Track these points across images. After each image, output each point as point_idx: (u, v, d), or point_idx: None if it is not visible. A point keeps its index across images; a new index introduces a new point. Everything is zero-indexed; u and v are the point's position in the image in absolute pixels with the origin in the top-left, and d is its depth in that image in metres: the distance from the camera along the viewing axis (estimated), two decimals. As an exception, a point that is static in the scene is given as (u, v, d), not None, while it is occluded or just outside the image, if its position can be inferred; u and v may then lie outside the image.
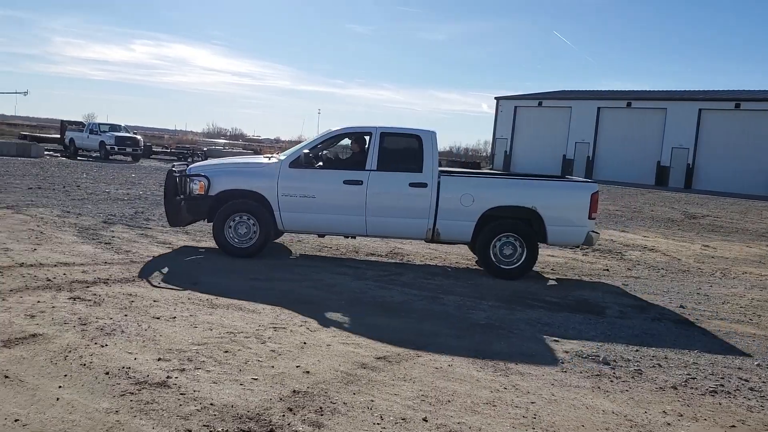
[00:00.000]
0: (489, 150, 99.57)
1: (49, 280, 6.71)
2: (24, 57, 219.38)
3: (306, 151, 8.88)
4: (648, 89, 46.14)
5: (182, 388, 4.17)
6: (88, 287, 6.57)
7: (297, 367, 4.73)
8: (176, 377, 4.34)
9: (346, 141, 9.79)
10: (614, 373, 5.19)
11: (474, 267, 9.55)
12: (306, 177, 8.83)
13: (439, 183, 8.73)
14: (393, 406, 4.15)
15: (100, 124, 34.76)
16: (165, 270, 7.70)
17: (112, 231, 10.31)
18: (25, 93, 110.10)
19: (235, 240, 8.83)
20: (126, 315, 5.70)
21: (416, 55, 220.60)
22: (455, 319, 6.47)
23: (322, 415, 3.93)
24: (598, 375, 5.11)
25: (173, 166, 9.47)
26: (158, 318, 5.69)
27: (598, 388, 4.82)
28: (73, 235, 9.57)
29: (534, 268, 9.20)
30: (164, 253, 8.81)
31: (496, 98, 48.19)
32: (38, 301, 5.88)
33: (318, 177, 8.88)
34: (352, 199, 8.74)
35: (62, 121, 38.73)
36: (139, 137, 34.36)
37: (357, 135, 9.30)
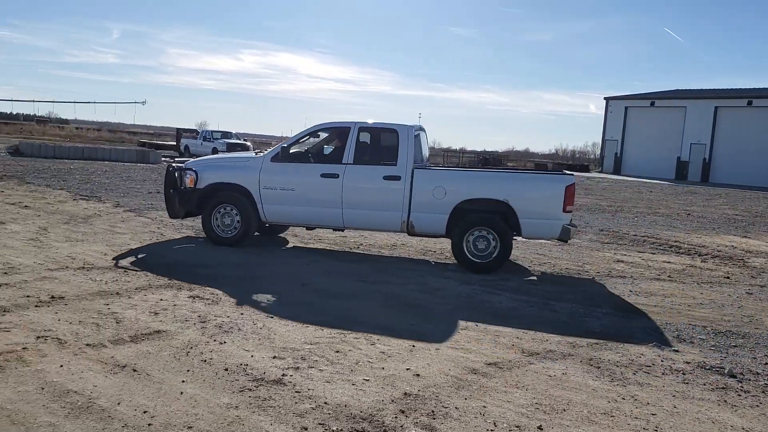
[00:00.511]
0: (597, 152, 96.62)
1: (168, 280, 7.05)
2: (142, 68, 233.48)
3: (285, 146, 9.25)
4: (770, 87, 43.16)
5: (297, 386, 4.25)
6: (206, 287, 6.84)
7: (407, 369, 4.73)
8: (291, 375, 4.44)
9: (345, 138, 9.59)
10: (742, 386, 4.87)
11: (581, 275, 9.26)
12: (286, 171, 9.19)
13: (412, 176, 8.80)
14: (506, 413, 4.07)
15: (212, 131, 36.40)
16: (278, 272, 7.91)
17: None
18: (143, 102, 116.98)
19: (220, 229, 9.32)
20: (242, 314, 5.89)
21: (520, 56, 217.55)
22: (568, 327, 6.28)
23: (434, 418, 3.90)
24: (723, 388, 4.81)
25: (173, 161, 9.97)
26: (272, 317, 5.85)
27: (725, 401, 4.54)
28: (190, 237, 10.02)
29: (649, 277, 8.80)
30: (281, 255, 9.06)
31: (605, 98, 46.65)
32: (161, 299, 6.18)
33: (297, 171, 9.22)
34: (329, 192, 8.97)
35: (177, 129, 40.76)
36: (248, 144, 35.71)
37: (338, 130, 9.46)
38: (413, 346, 5.29)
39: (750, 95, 39.77)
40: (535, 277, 8.72)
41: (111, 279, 6.85)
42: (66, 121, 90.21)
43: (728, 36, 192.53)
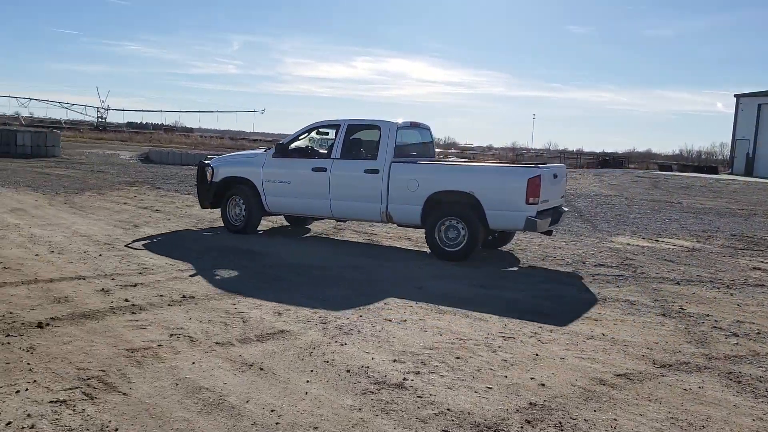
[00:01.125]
0: (726, 153, 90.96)
1: (290, 281, 7.22)
2: (260, 78, 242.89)
3: (283, 143, 10.14)
4: None
5: (419, 390, 4.21)
6: (324, 288, 6.95)
7: (531, 378, 4.58)
8: (412, 380, 4.40)
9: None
10: None
11: (714, 282, 8.68)
12: (284, 165, 10.06)
13: (389, 169, 9.28)
14: (639, 427, 3.84)
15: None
16: (394, 274, 7.93)
17: (342, 236, 10.90)
18: (262, 111, 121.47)
19: (232, 219, 10.46)
20: (361, 316, 5.94)
21: (641, 53, 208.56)
22: (702, 335, 5.89)
23: (561, 430, 3.75)
24: None
25: (206, 158, 11.44)
26: (390, 320, 5.85)
27: None
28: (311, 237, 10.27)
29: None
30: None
31: (735, 96, 43.77)
32: (283, 300, 6.33)
33: (293, 165, 10.04)
34: (318, 184, 9.70)
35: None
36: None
37: (330, 127, 10.16)
38: (536, 354, 5.13)
39: None
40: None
41: (237, 280, 7.10)
42: (191, 130, 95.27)
43: None
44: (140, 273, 7.13)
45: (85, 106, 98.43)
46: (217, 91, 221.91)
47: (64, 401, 3.72)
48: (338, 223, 11.98)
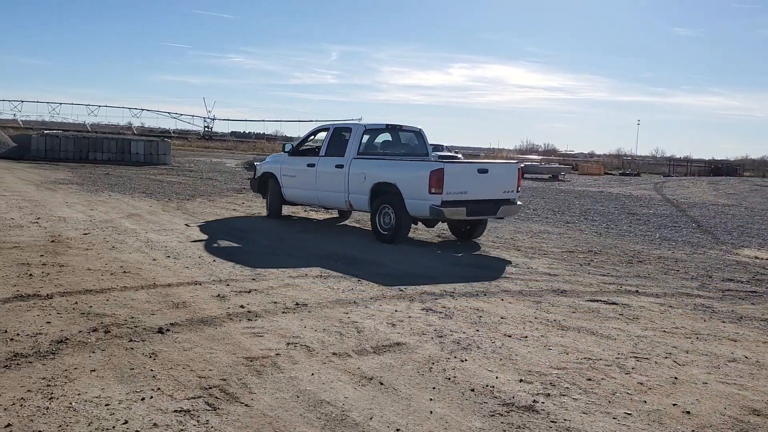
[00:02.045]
0: None
1: (401, 290, 7.04)
2: (357, 87, 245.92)
3: (294, 144, 12.64)
4: None
5: (551, 415, 3.91)
6: (436, 299, 6.73)
7: (673, 405, 4.17)
8: (542, 402, 4.10)
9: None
10: None
11: None
12: (293, 162, 12.26)
13: (350, 164, 11.01)
14: (810, 469, 3.39)
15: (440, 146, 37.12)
16: (508, 286, 7.61)
17: (434, 241, 10.64)
18: (360, 120, 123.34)
19: (266, 206, 13.23)
20: (478, 330, 5.67)
21: (753, 55, 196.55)
22: None
23: (719, 468, 3.35)
24: None
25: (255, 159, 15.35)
26: (510, 336, 5.55)
27: None
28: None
29: None
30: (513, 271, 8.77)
31: None
32: (396, 311, 6.16)
33: (298, 162, 12.17)
34: (310, 177, 11.73)
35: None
36: (460, 156, 35.88)
37: (324, 130, 12.19)
38: (675, 378, 4.70)
39: None
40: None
41: (347, 288, 7.00)
42: (290, 138, 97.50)
43: None
44: (253, 279, 7.15)
45: (193, 116, 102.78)
46: (316, 101, 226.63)
47: (188, 411, 3.66)
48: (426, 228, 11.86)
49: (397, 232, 10.28)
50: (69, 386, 3.90)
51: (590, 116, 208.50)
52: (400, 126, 12.14)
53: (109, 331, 4.98)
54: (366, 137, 11.43)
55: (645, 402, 4.20)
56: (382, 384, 4.26)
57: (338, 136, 11.60)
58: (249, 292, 6.54)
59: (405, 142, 12.25)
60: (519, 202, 11.07)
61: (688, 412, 4.06)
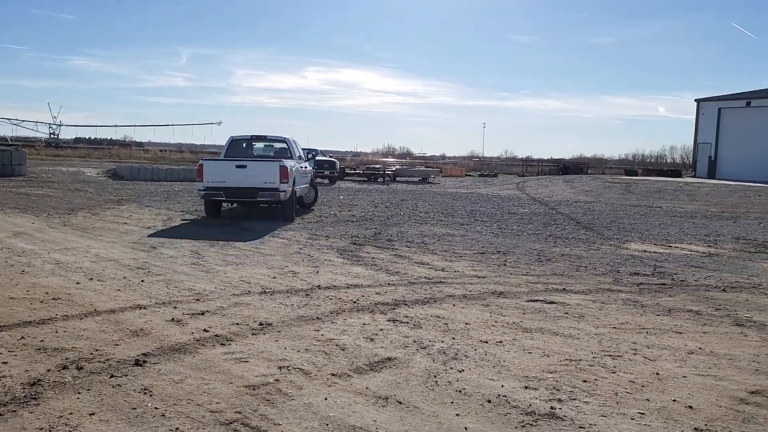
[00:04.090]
0: (675, 155, 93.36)
1: (354, 302, 6.93)
2: (211, 90, 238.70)
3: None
4: None
5: (576, 420, 4.00)
6: (394, 309, 6.69)
7: (673, 401, 4.41)
8: (559, 408, 4.18)
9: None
10: None
11: (755, 290, 8.70)
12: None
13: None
14: (820, 450, 3.71)
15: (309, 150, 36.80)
16: (450, 290, 7.71)
17: (367, 252, 10.63)
18: (219, 123, 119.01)
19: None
20: (453, 338, 5.69)
21: (584, 61, 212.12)
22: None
23: (748, 457, 3.58)
24: None
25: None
26: (486, 342, 5.63)
27: None
28: (337, 257, 9.96)
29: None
30: (427, 275, 8.88)
31: (696, 100, 45.00)
32: (364, 324, 6.05)
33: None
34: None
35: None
36: (335, 160, 35.90)
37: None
38: (657, 374, 4.96)
39: None
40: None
41: (300, 303, 6.78)
42: (141, 144, 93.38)
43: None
44: (197, 300, 6.74)
45: (37, 122, 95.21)
46: (168, 104, 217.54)
47: (224, 451, 3.39)
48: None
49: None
50: (76, 435, 3.48)
51: (441, 120, 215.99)
52: (260, 136, 16.71)
53: (81, 368, 4.49)
54: (230, 145, 16.17)
55: (648, 400, 4.40)
56: (400, 403, 4.17)
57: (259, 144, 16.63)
58: (202, 314, 6.15)
59: (266, 148, 17.26)
60: (283, 191, 14.06)
61: (691, 407, 4.30)
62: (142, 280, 7.55)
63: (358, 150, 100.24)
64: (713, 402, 4.41)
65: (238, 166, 13.96)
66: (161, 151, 61.92)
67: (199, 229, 12.77)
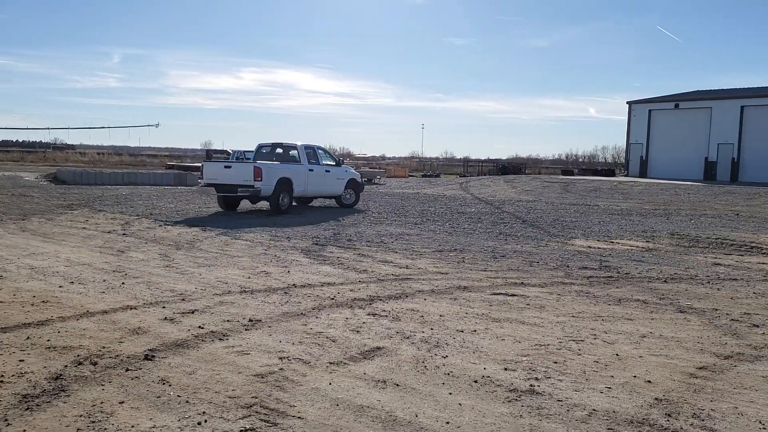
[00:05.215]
0: (607, 155, 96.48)
1: (332, 298, 7.35)
2: (145, 91, 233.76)
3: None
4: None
5: (554, 395, 4.53)
6: (371, 304, 7.14)
7: (634, 377, 5.00)
8: (539, 385, 4.71)
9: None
10: None
11: (693, 280, 9.52)
12: None
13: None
14: (760, 412, 4.33)
15: (244, 151, 36.76)
16: (417, 286, 8.20)
17: (331, 252, 11.03)
18: (157, 125, 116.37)
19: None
20: (432, 329, 6.18)
21: (518, 63, 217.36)
22: (730, 329, 6.54)
23: (702, 420, 4.18)
24: None
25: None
26: (462, 331, 6.14)
27: None
28: (303, 257, 10.34)
29: (758, 279, 9.07)
30: (393, 272, 9.36)
31: (628, 102, 47.02)
32: (347, 318, 6.48)
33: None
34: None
35: (207, 151, 41.22)
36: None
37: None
38: (617, 355, 5.57)
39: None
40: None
41: (281, 301, 7.15)
42: (73, 147, 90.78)
43: (723, 34, 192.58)
44: (182, 300, 7.03)
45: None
46: (100, 105, 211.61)
47: (253, 429, 3.77)
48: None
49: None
50: (115, 420, 3.80)
51: (379, 121, 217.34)
52: (279, 143, 19.69)
53: (95, 363, 4.77)
54: (260, 150, 19.69)
55: (612, 377, 4.99)
56: (397, 385, 4.62)
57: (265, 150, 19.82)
58: (192, 312, 6.46)
59: (283, 153, 19.53)
60: (258, 186, 16.94)
61: (650, 381, 4.91)
62: (123, 283, 7.77)
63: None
64: (668, 377, 5.02)
65: (225, 167, 17.49)
66: (99, 154, 60.55)
67: (160, 233, 12.92)
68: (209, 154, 39.71)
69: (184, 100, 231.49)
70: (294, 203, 19.37)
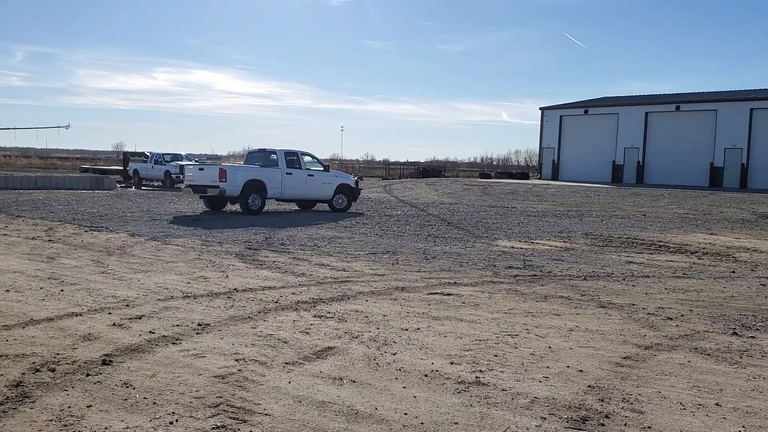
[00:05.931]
0: (519, 159, 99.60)
1: (275, 302, 7.53)
2: (52, 91, 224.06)
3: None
4: (696, 91, 46.57)
5: (498, 385, 4.91)
6: (315, 306, 7.37)
7: (567, 367, 5.45)
8: (483, 377, 5.09)
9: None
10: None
11: (610, 277, 10.21)
12: None
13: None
14: (681, 395, 4.85)
15: (163, 154, 36.13)
16: (357, 288, 8.49)
17: (266, 256, 11.17)
18: (68, 126, 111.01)
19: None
20: (378, 328, 6.48)
21: (435, 68, 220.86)
22: (647, 322, 7.14)
23: (631, 403, 4.64)
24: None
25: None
26: (407, 330, 6.47)
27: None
28: (239, 262, 10.44)
29: (668, 275, 9.82)
30: (331, 275, 9.62)
31: (540, 108, 48.87)
32: (294, 320, 6.69)
33: None
34: None
35: (125, 153, 40.17)
36: (209, 162, 35.59)
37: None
38: (550, 347, 6.03)
39: (678, 100, 42.53)
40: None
41: (225, 305, 7.27)
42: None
43: (628, 41, 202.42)
44: (127, 305, 7.05)
45: None
46: (4, 105, 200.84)
47: (224, 427, 3.95)
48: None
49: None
50: (87, 422, 3.89)
51: (298, 122, 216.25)
52: (263, 149, 20.94)
53: (53, 369, 4.81)
54: (248, 156, 21.26)
55: (548, 367, 5.42)
56: (354, 381, 4.89)
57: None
58: (140, 318, 6.51)
59: (266, 157, 20.59)
60: (222, 187, 18.26)
61: (581, 371, 5.37)
62: (62, 290, 7.70)
63: (215, 152, 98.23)
64: (597, 366, 5.50)
65: (200, 169, 19.27)
66: (5, 156, 57.70)
67: (87, 239, 12.68)
68: (126, 156, 38.67)
69: (95, 100, 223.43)
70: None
